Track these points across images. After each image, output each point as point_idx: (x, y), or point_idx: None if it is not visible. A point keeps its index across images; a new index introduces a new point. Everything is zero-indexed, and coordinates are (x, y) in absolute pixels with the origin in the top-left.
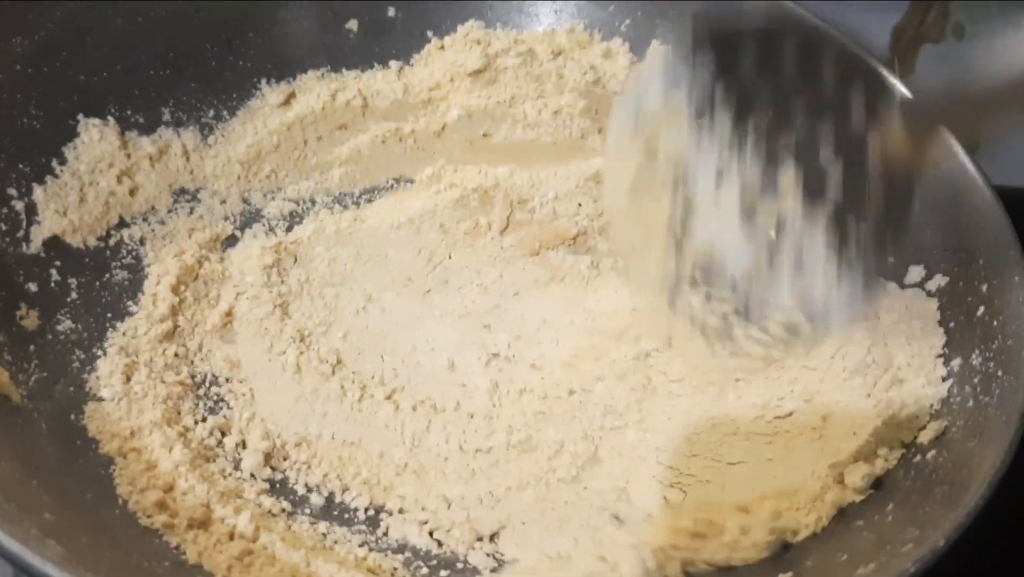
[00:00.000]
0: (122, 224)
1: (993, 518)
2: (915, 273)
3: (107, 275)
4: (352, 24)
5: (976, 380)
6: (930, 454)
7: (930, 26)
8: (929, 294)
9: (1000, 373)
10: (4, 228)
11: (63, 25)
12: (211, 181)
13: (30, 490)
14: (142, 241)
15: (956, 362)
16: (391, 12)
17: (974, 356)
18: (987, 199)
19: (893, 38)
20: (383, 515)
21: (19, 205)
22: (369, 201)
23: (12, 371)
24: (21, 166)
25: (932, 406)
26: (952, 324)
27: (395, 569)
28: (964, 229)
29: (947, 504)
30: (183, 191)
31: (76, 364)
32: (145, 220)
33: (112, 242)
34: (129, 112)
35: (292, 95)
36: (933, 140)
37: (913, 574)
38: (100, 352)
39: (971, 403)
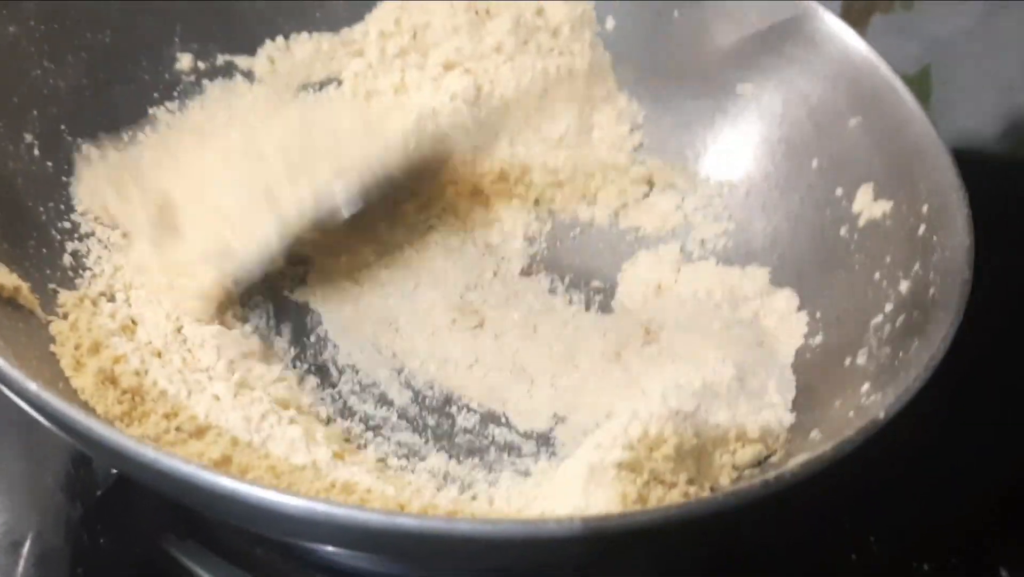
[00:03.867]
0: None
1: None
2: (863, 194)
3: None
4: None
5: (918, 286)
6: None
7: None
8: (875, 218)
9: (939, 280)
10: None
11: None
12: None
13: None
14: None
15: (899, 272)
16: None
17: (916, 266)
18: (926, 129)
19: (843, 9)
20: None
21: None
22: None
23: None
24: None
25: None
26: (895, 241)
27: None
28: (907, 158)
29: (890, 385)
30: None
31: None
32: None
33: None
34: None
35: None
36: None
37: (855, 441)
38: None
39: (913, 308)
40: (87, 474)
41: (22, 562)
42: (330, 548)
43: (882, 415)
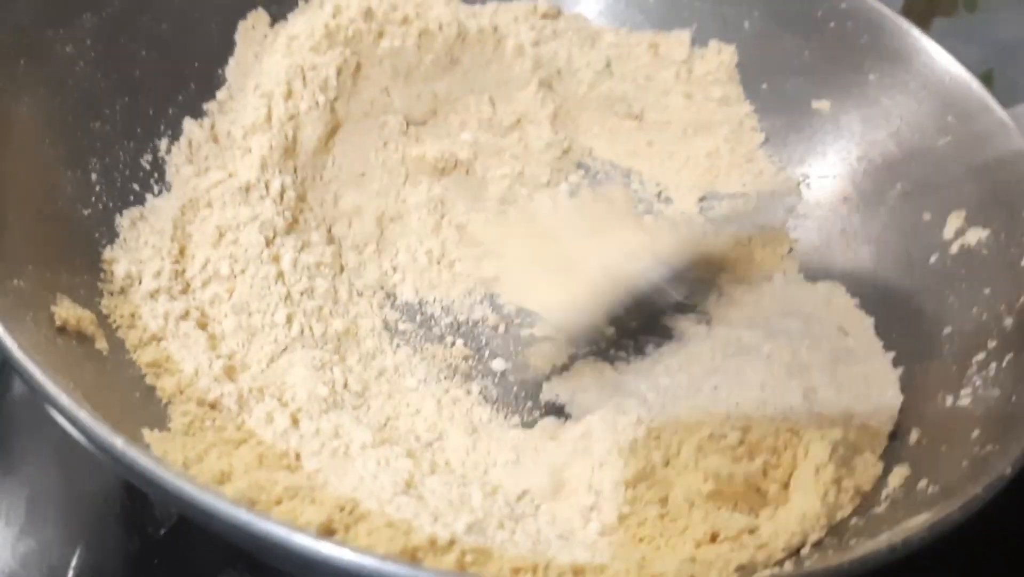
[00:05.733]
0: None
1: None
2: (954, 220)
3: None
4: None
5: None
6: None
7: None
8: (969, 246)
9: None
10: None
11: None
12: None
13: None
14: None
15: (1002, 306)
16: None
17: (1022, 300)
18: None
19: (904, 11)
20: None
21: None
22: None
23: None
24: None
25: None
26: (994, 272)
27: None
28: (1004, 182)
29: (1009, 434)
30: None
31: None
32: None
33: None
34: None
35: None
36: None
37: (982, 499)
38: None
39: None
40: (144, 507)
41: None
42: None
43: (1008, 470)
